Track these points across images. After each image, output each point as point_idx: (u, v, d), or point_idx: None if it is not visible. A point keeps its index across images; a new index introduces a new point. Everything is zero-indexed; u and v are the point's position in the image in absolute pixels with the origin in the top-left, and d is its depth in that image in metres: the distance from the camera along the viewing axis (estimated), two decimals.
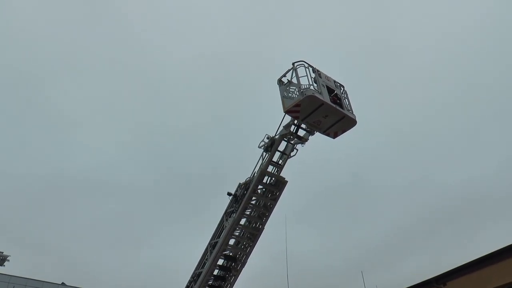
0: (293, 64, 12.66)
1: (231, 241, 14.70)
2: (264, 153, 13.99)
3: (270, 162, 13.83)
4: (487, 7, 43.48)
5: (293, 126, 13.41)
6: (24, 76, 42.06)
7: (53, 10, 42.58)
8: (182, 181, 44.89)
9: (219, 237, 14.56)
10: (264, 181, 14.04)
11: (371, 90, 44.35)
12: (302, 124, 13.40)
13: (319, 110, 12.41)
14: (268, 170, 13.88)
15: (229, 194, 14.70)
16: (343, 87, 13.48)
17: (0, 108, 41.23)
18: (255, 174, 13.91)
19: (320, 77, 12.76)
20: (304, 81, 12.43)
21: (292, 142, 13.80)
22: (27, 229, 37.00)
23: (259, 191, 14.19)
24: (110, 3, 44.64)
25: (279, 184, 14.17)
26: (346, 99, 13.32)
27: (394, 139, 45.98)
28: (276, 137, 13.57)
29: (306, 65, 12.66)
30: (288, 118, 13.28)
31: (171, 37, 48.68)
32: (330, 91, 12.77)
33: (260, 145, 13.94)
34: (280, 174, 14.30)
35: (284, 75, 12.86)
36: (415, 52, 46.83)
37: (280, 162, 14.02)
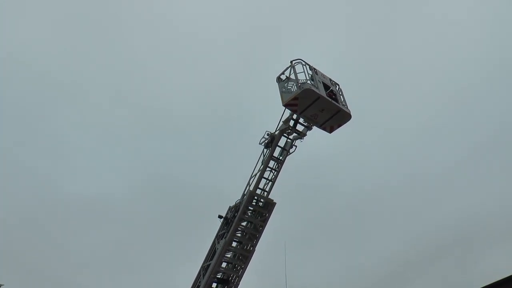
0: (291, 62, 13.60)
1: (223, 264, 15.09)
2: (265, 150, 14.70)
3: (271, 157, 14.49)
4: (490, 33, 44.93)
5: (292, 121, 14.19)
6: (28, 103, 43.07)
7: (53, 37, 44.15)
8: (179, 207, 44.95)
9: (211, 259, 14.95)
10: (253, 203, 14.68)
11: (371, 113, 45.27)
12: (300, 120, 14.22)
13: (316, 103, 13.24)
14: (257, 192, 14.57)
15: (220, 217, 15.18)
16: (338, 85, 14.37)
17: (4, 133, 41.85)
18: (245, 196, 14.55)
19: (317, 74, 13.68)
20: (301, 77, 13.36)
21: (291, 137, 14.52)
22: (23, 255, 36.83)
23: (249, 213, 14.77)
24: (112, 31, 46.22)
25: (268, 205, 14.81)
26: (342, 96, 14.19)
27: (394, 163, 46.35)
28: (276, 132, 14.31)
29: (303, 63, 13.60)
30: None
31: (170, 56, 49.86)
32: (326, 87, 13.66)
33: (260, 142, 14.68)
34: (280, 172, 14.97)
35: (283, 73, 13.77)
36: (413, 80, 47.97)
37: (280, 158, 14.66)
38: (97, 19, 45.13)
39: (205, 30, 49.53)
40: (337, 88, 14.22)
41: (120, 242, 41.46)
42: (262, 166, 14.51)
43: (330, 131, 14.35)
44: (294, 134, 14.44)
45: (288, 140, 14.61)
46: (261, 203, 14.81)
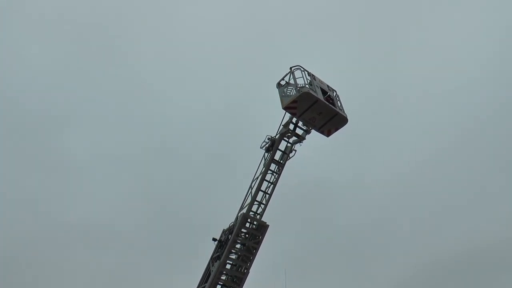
0: (290, 68, 14.45)
1: (218, 287, 15.16)
2: (266, 154, 15.33)
3: (272, 161, 15.07)
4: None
5: (291, 125, 14.89)
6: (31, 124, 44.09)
7: (63, 59, 45.70)
8: (176, 229, 45.07)
9: (206, 282, 15.16)
10: (247, 225, 15.07)
11: (372, 139, 46.04)
12: (299, 124, 14.93)
13: (314, 107, 13.98)
14: (249, 214, 15.01)
15: (214, 239, 15.48)
16: (336, 91, 15.16)
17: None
18: (238, 218, 15.00)
19: (315, 80, 14.50)
20: (300, 82, 14.17)
21: (290, 141, 15.19)
22: (21, 282, 36.77)
23: (242, 235, 15.14)
24: (118, 54, 47.76)
25: (261, 228, 15.17)
26: (339, 102, 14.95)
27: (395, 191, 46.59)
28: (277, 136, 14.99)
29: (302, 69, 14.44)
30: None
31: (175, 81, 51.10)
32: (324, 93, 14.44)
33: (261, 146, 15.34)
34: (281, 175, 15.52)
35: (283, 79, 14.60)
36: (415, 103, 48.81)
37: (281, 161, 15.26)
38: (104, 41, 46.62)
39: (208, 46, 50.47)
40: (334, 94, 14.99)
41: (118, 266, 41.32)
42: (264, 168, 15.07)
43: (328, 135, 15.04)
44: (294, 138, 15.12)
45: (288, 144, 15.27)
46: (254, 225, 15.15)
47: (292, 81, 14.25)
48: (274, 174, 15.31)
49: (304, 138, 15.05)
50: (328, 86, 14.94)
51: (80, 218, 41.98)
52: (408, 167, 45.65)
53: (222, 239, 15.18)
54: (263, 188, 15.21)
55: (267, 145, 15.17)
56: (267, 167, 15.01)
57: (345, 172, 44.82)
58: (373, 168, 45.50)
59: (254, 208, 15.27)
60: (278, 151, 15.18)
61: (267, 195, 15.36)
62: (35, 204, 42.38)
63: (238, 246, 15.11)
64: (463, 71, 47.43)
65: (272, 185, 15.34)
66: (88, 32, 45.71)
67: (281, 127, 14.98)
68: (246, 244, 15.07)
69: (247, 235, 15.11)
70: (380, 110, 48.97)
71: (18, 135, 43.29)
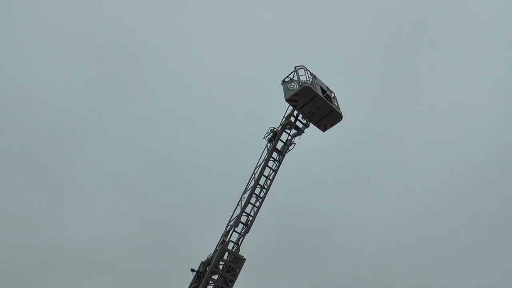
0: (295, 67, 16.57)
1: None
2: (268, 144, 17.06)
3: (274, 150, 16.67)
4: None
5: (292, 118, 16.72)
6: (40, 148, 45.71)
7: (72, 85, 48.16)
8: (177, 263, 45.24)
9: None
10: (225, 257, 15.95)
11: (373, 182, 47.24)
12: (299, 117, 16.76)
13: (313, 101, 15.92)
14: (228, 247, 15.91)
15: (192, 270, 16.23)
16: (334, 93, 17.15)
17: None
18: (217, 250, 15.89)
19: (316, 79, 16.55)
20: (303, 79, 16.20)
21: (291, 134, 16.96)
22: None
23: (220, 266, 16.02)
24: (129, 79, 50.08)
25: (238, 261, 16.11)
26: (336, 101, 16.91)
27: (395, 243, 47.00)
28: (279, 128, 16.82)
29: (305, 69, 16.53)
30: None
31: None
32: (323, 91, 16.44)
33: (265, 136, 17.11)
34: (280, 168, 17.15)
35: (287, 76, 16.67)
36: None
37: (282, 151, 16.93)
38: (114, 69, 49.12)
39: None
40: (332, 95, 16.98)
41: None
42: (266, 156, 16.71)
43: (324, 130, 16.87)
44: (294, 131, 16.88)
45: (289, 137, 17.02)
46: (231, 258, 16.03)
47: (295, 78, 16.31)
48: (276, 162, 16.91)
49: (303, 131, 16.81)
50: (327, 87, 16.96)
51: (74, 240, 42.37)
52: (408, 212, 46.56)
53: (200, 270, 16.00)
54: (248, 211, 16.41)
55: (269, 136, 16.92)
56: (269, 154, 16.62)
57: (342, 211, 45.61)
58: (371, 210, 46.32)
59: (234, 238, 16.06)
60: (279, 142, 16.89)
61: (255, 208, 16.46)
62: (32, 223, 43.00)
63: (215, 277, 15.93)
64: (469, 125, 49.38)
65: (273, 173, 16.86)
66: (105, 59, 48.54)
67: (284, 119, 16.82)
68: (223, 276, 15.93)
69: (224, 267, 15.99)
70: (384, 154, 50.31)
71: (24, 150, 44.90)
